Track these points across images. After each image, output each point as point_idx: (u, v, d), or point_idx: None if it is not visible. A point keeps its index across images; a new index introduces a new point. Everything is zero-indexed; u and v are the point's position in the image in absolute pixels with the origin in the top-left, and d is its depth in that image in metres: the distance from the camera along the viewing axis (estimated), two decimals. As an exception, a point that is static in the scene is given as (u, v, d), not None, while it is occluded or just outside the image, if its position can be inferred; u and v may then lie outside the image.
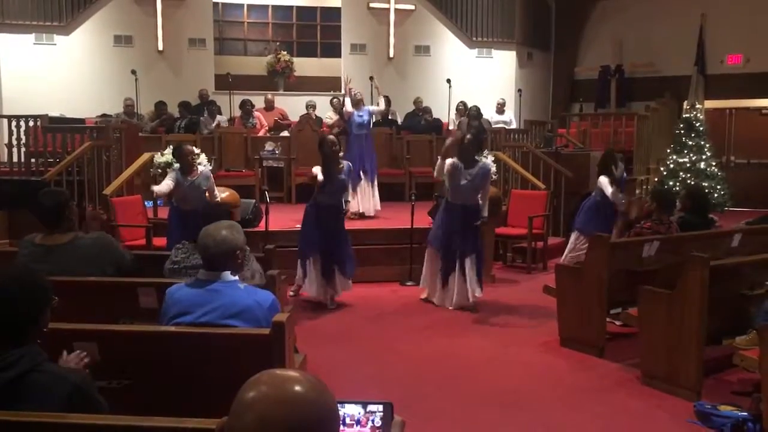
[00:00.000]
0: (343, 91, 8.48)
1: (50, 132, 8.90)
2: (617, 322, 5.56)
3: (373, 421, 1.48)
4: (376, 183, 8.66)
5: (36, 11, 11.67)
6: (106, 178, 8.35)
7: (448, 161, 6.26)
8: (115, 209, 6.95)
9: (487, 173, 6.40)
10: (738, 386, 4.39)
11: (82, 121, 9.94)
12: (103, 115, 10.65)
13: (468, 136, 6.41)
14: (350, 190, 8.21)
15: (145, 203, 7.55)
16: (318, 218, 6.34)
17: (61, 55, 11.90)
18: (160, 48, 12.28)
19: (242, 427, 1.13)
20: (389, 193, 10.61)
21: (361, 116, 8.40)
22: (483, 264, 6.55)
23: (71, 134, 8.91)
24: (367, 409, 1.48)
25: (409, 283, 7.22)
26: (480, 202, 6.38)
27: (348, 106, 8.38)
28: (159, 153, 7.86)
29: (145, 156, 8.04)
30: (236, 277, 2.92)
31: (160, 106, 11.47)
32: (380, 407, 1.48)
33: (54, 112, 9.81)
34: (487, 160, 6.93)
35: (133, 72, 10.65)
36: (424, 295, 6.69)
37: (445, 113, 11.84)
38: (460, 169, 6.24)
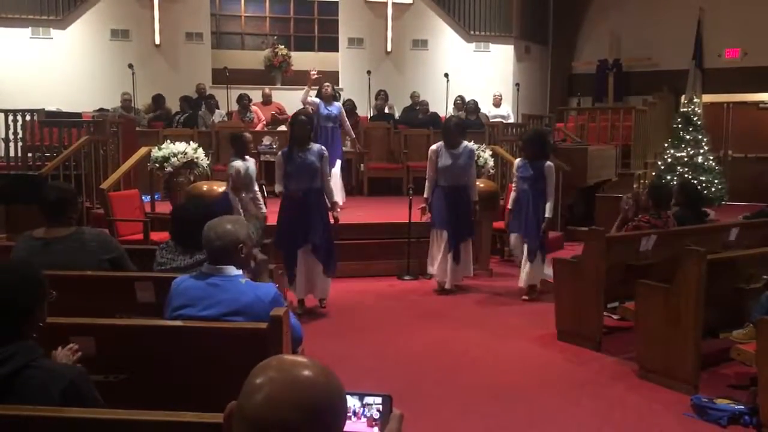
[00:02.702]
0: (311, 84, 8.34)
1: (47, 126, 8.91)
2: (614, 316, 5.57)
3: (370, 413, 1.48)
4: (337, 174, 8.41)
5: (32, 5, 11.64)
6: (104, 173, 8.35)
7: (431, 147, 6.69)
8: (111, 204, 6.93)
9: (472, 152, 6.68)
10: (735, 380, 4.40)
11: (79, 115, 9.93)
12: (100, 110, 10.63)
13: (453, 120, 6.86)
14: (339, 190, 8.10)
15: (142, 198, 7.54)
16: (290, 207, 5.83)
17: (57, 49, 11.87)
18: (157, 42, 12.26)
19: (251, 408, 1.15)
20: (387, 188, 10.63)
21: (328, 110, 8.36)
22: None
23: (68, 128, 8.91)
24: (364, 401, 1.48)
25: (406, 278, 7.22)
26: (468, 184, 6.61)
27: (312, 97, 8.33)
28: (156, 147, 7.84)
29: (143, 150, 8.03)
30: (239, 272, 2.91)
31: (158, 99, 11.45)
32: (378, 400, 1.48)
33: (51, 107, 9.80)
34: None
35: (130, 66, 10.63)
36: (438, 285, 6.75)
37: (442, 107, 11.84)
38: (442, 151, 6.53)
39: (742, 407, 3.84)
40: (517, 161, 6.72)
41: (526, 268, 6.50)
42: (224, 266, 2.87)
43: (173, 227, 3.71)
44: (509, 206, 6.66)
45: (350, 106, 10.61)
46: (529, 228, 6.42)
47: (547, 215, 6.41)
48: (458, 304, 6.38)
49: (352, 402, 1.46)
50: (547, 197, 6.43)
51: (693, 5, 12.99)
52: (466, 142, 6.71)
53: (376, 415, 1.47)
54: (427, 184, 6.68)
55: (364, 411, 1.48)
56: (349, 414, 1.45)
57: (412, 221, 7.11)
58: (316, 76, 8.35)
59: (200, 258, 3.40)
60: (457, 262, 6.62)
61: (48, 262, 3.24)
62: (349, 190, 9.94)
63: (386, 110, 11.88)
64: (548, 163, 6.50)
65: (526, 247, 6.46)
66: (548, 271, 6.44)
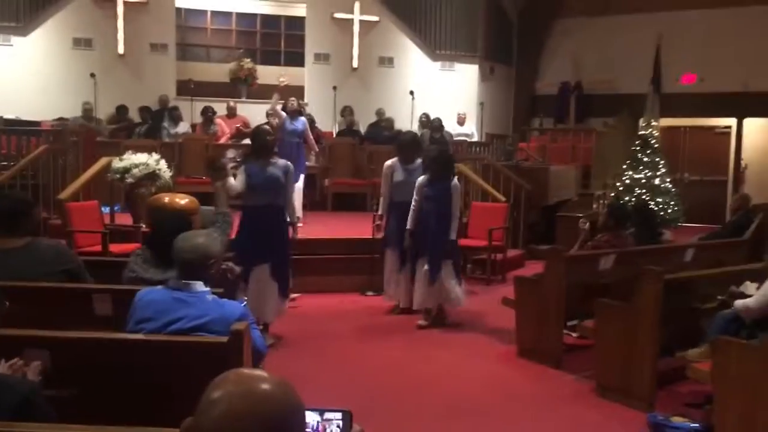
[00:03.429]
0: (275, 99, 8.40)
1: (5, 134, 8.74)
2: (574, 334, 5.63)
3: (330, 429, 1.47)
4: (299, 189, 8.17)
5: (-7, 12, 11.42)
6: (62, 183, 8.19)
7: (386, 163, 6.60)
8: (70, 215, 6.80)
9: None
10: (690, 398, 4.48)
11: (38, 123, 9.76)
12: (60, 119, 10.45)
13: (408, 135, 6.76)
14: (298, 207, 7.99)
15: (102, 209, 7.41)
16: (252, 223, 5.46)
17: (17, 57, 11.62)
18: (121, 52, 12.09)
19: (209, 423, 1.14)
20: (351, 204, 10.63)
21: (293, 125, 8.38)
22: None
23: (27, 137, 8.74)
24: (324, 417, 1.47)
25: (369, 293, 7.21)
26: None
27: (279, 109, 8.37)
28: (117, 158, 7.72)
29: (103, 161, 7.89)
30: (207, 288, 2.87)
31: (121, 110, 11.30)
32: (338, 415, 1.48)
33: (9, 115, 9.61)
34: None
35: (93, 75, 10.47)
36: (395, 303, 6.62)
37: (408, 125, 11.91)
38: (396, 167, 6.47)
39: (697, 425, 3.91)
40: (420, 179, 6.24)
41: (421, 288, 6.19)
42: (191, 281, 2.83)
43: (152, 236, 3.57)
44: (409, 226, 6.21)
45: (310, 120, 10.64)
46: (434, 248, 6.10)
47: (452, 237, 6.13)
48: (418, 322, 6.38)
49: (313, 417, 1.46)
50: (452, 218, 6.14)
51: (652, 31, 13.32)
52: (419, 159, 6.48)
53: (336, 431, 1.47)
54: (381, 200, 6.62)
55: (322, 427, 1.47)
56: (308, 430, 1.44)
57: (375, 237, 7.11)
58: (285, 83, 8.33)
59: (172, 276, 3.32)
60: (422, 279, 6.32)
61: (1, 274, 3.16)
62: (313, 205, 9.92)
63: (352, 127, 11.91)
64: (455, 182, 6.25)
65: (426, 267, 6.12)
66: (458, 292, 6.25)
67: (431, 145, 6.99)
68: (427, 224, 6.16)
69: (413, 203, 6.22)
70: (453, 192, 6.18)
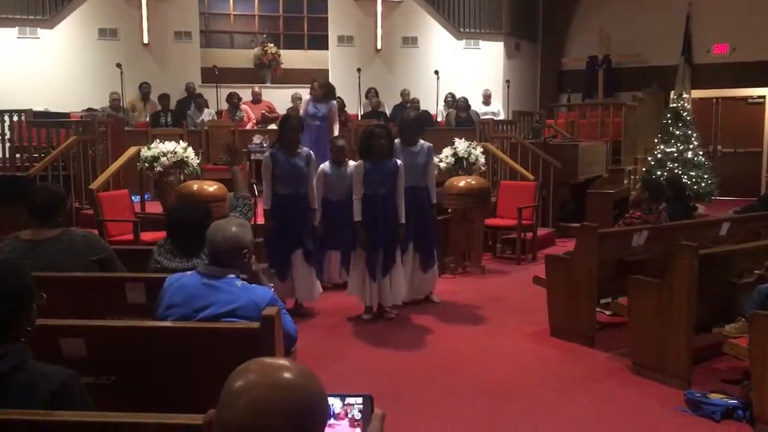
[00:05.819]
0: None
1: (35, 127, 8.86)
2: (607, 312, 5.58)
3: (352, 414, 1.47)
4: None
5: (19, 5, 11.56)
6: (93, 173, 8.29)
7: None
8: (101, 204, 6.88)
9: (430, 150, 6.02)
10: (727, 374, 4.41)
11: (67, 115, 9.88)
12: (89, 110, 10.58)
13: (411, 115, 6.20)
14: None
15: (132, 198, 7.49)
16: (279, 212, 5.62)
17: (45, 49, 11.79)
18: (146, 41, 12.19)
19: (233, 415, 1.13)
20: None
21: (317, 107, 8.20)
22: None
23: (56, 129, 8.85)
24: (346, 402, 1.47)
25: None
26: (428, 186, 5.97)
27: (304, 99, 8.29)
28: (145, 147, 7.79)
29: (132, 150, 7.97)
30: (233, 275, 2.88)
31: (143, 87, 11.44)
32: (359, 400, 1.47)
33: (38, 107, 9.73)
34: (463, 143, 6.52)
35: (119, 65, 10.56)
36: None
37: (433, 105, 11.83)
38: (398, 149, 5.86)
39: (736, 401, 3.85)
40: (363, 164, 5.60)
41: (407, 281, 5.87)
42: (223, 269, 2.84)
43: (170, 230, 3.62)
44: (357, 218, 5.52)
45: (339, 104, 10.59)
46: (390, 237, 5.59)
47: (402, 221, 5.60)
48: (449, 302, 6.36)
49: (333, 402, 1.45)
50: (399, 200, 5.61)
51: (681, 1, 13.04)
52: (423, 141, 6.03)
53: (358, 416, 1.47)
54: None
55: (343, 412, 1.47)
56: (330, 415, 1.43)
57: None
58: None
59: (197, 263, 3.35)
60: (425, 270, 6.05)
61: (36, 264, 3.21)
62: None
63: (378, 109, 11.86)
64: (399, 161, 5.69)
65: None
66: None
67: (376, 123, 6.32)
68: (386, 211, 5.58)
69: (355, 192, 5.58)
70: (402, 172, 5.63)
